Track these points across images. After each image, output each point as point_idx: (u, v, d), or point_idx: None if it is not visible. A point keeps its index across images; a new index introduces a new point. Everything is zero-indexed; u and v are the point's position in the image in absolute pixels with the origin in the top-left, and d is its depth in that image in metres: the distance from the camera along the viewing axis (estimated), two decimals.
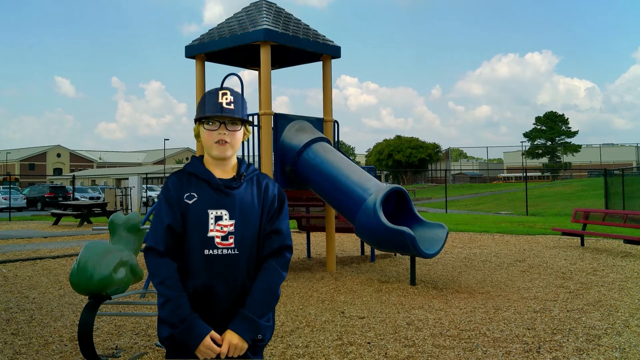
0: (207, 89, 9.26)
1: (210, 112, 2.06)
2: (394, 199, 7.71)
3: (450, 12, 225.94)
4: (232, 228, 2.04)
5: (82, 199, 31.90)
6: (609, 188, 22.45)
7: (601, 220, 11.33)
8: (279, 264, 2.12)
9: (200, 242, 2.03)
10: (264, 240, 2.12)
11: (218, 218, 2.04)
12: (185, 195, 2.07)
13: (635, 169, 33.81)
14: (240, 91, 8.40)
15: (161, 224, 2.06)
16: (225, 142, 2.07)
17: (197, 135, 2.15)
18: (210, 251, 2.03)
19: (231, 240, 2.04)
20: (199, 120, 2.12)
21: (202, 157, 2.18)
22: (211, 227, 2.04)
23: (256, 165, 8.13)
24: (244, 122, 2.13)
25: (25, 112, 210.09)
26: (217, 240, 2.03)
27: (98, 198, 33.30)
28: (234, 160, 2.17)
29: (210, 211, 2.05)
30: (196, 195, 2.06)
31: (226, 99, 2.07)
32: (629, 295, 6.62)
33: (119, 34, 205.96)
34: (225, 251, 2.03)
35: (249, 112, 8.42)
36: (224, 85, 2.21)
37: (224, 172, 2.13)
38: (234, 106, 2.08)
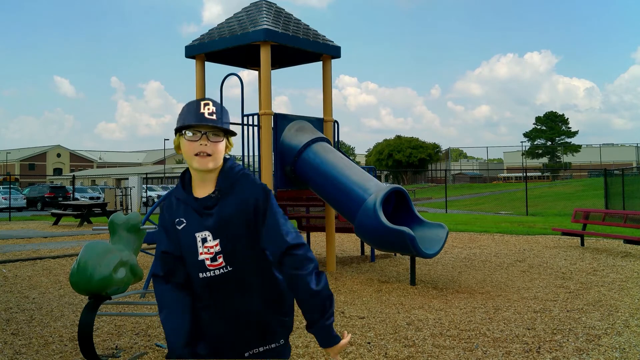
0: (207, 89, 9.23)
1: (191, 121, 1.97)
2: (394, 199, 7.70)
3: (449, 12, 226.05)
4: (218, 248, 2.00)
5: (82, 199, 31.87)
6: (609, 188, 22.45)
7: (601, 220, 11.33)
8: (296, 266, 1.97)
9: (194, 266, 2.02)
10: (274, 252, 2.02)
11: (204, 240, 2.01)
12: (176, 220, 2.05)
13: (635, 169, 33.79)
14: (240, 91, 8.41)
15: (159, 250, 2.07)
16: (207, 154, 1.98)
17: (178, 147, 2.06)
18: (204, 274, 2.01)
19: (220, 260, 2.00)
20: (178, 131, 2.02)
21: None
22: (200, 250, 2.01)
23: (256, 166, 8.16)
24: (226, 133, 2.04)
25: (25, 112, 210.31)
26: (207, 262, 2.00)
27: (98, 198, 33.28)
28: (216, 173, 2.06)
29: (196, 234, 2.01)
30: (184, 220, 2.03)
31: (208, 109, 1.98)
32: (629, 295, 6.62)
33: (118, 34, 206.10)
34: (217, 271, 2.01)
35: (248, 113, 8.37)
36: (207, 97, 2.11)
37: (206, 187, 2.04)
38: (216, 116, 1.98)
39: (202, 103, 2.00)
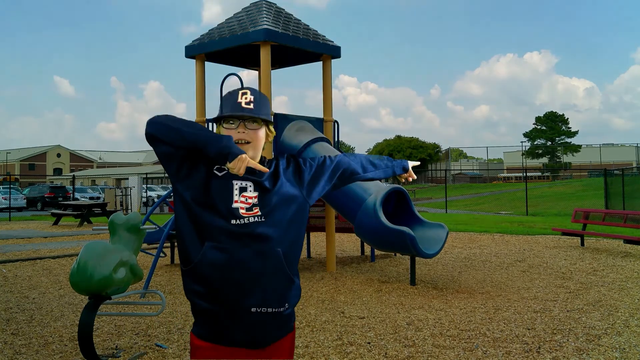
0: (207, 89, 9.22)
1: (228, 111, 2.00)
2: (394, 199, 7.70)
3: (449, 12, 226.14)
4: (256, 200, 1.97)
5: (82, 199, 31.87)
6: (609, 188, 22.44)
7: (601, 220, 11.33)
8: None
9: (222, 213, 1.99)
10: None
11: (242, 189, 2.01)
12: (215, 167, 2.04)
13: (635, 169, 33.80)
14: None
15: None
16: (245, 141, 1.98)
17: None
18: (237, 221, 1.96)
19: (256, 210, 1.95)
20: (218, 122, 2.05)
21: None
22: (235, 198, 1.97)
23: None
24: (265, 122, 2.05)
25: (25, 112, 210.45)
26: (242, 211, 1.95)
27: (98, 198, 33.26)
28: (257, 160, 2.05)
29: (234, 182, 2.03)
30: (225, 169, 2.07)
31: (245, 98, 2.00)
32: (629, 295, 6.62)
33: (118, 34, 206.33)
34: (251, 219, 1.94)
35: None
36: (245, 85, 2.12)
37: None
38: (253, 106, 2.00)
39: (240, 92, 2.03)
